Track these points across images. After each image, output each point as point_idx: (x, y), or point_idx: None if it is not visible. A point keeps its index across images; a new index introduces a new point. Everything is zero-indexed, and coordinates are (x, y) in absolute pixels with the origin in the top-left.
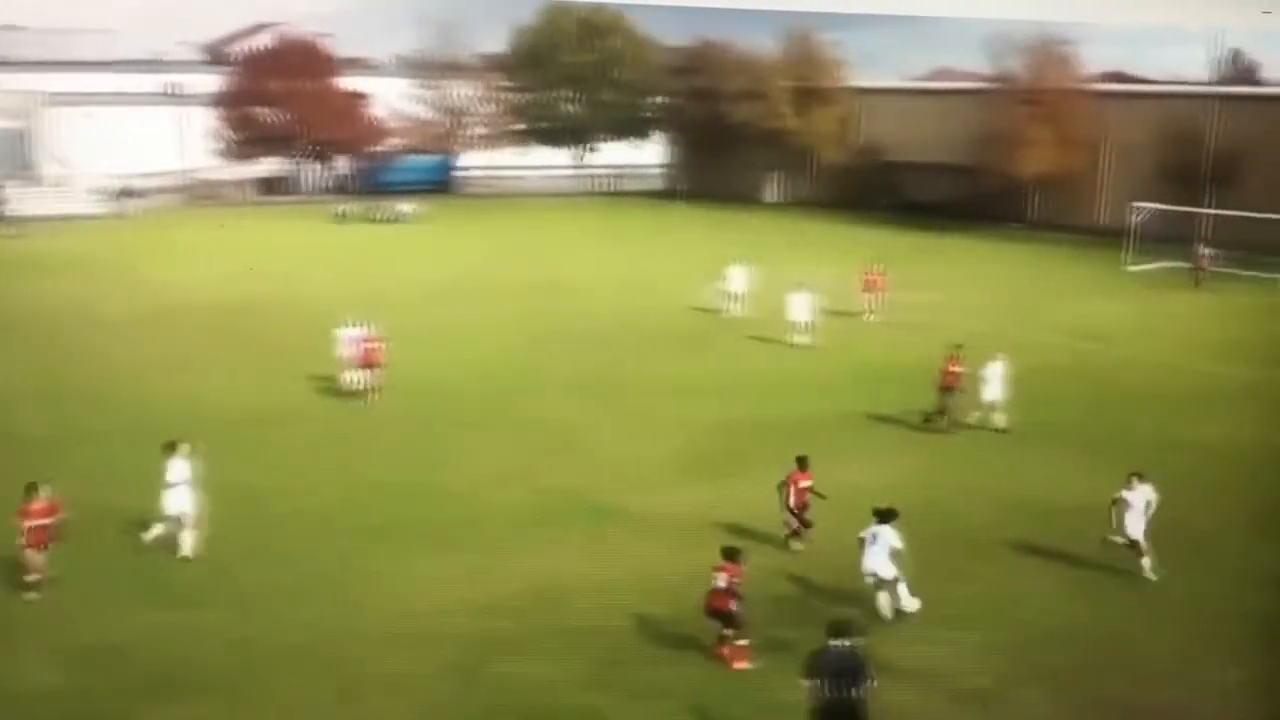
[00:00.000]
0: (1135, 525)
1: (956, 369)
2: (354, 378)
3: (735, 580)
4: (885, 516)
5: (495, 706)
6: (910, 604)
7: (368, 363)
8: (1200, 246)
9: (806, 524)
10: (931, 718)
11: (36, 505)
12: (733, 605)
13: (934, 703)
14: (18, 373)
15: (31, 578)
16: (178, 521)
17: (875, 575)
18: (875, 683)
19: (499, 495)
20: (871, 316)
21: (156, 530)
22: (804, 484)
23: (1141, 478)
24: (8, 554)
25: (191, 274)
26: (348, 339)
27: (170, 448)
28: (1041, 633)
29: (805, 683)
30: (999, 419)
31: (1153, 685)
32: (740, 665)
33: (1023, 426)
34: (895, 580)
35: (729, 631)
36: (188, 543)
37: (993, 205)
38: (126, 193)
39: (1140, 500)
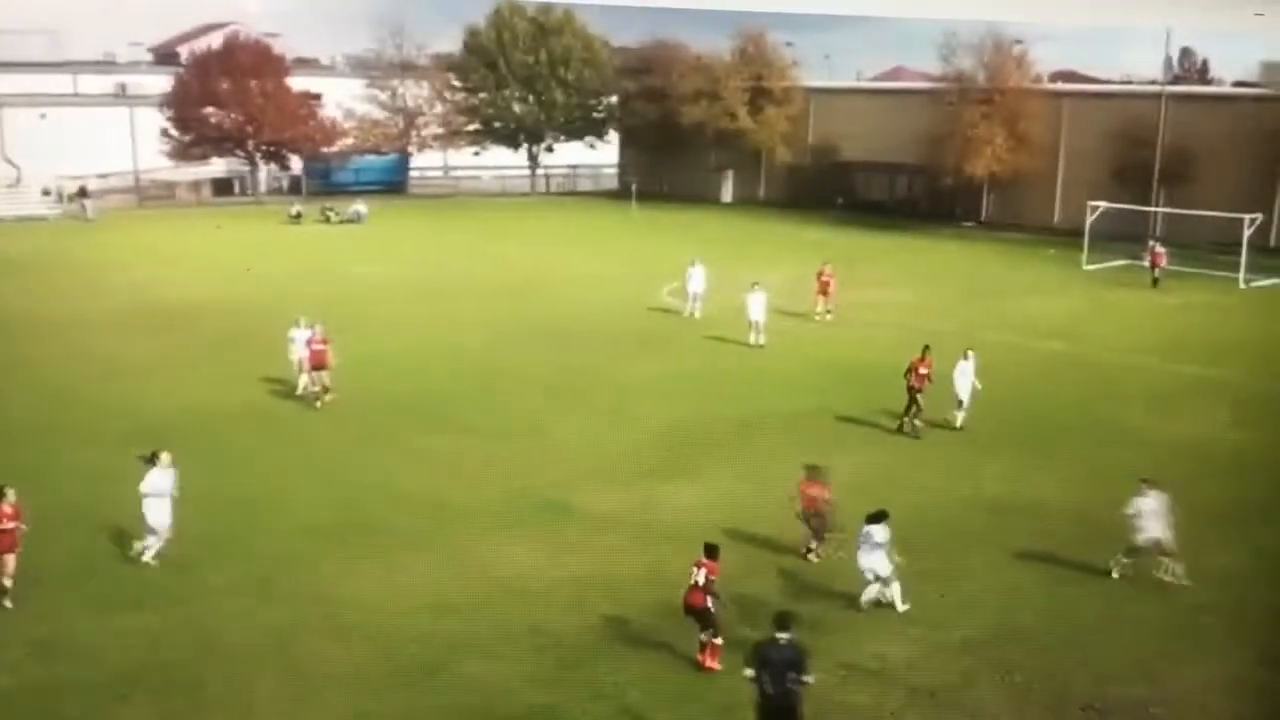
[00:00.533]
0: (1157, 527)
1: (925, 370)
2: (306, 380)
3: (712, 578)
4: (876, 518)
5: (454, 706)
6: (901, 605)
7: (316, 364)
8: (1154, 243)
9: (820, 534)
10: (888, 713)
11: (4, 509)
12: (709, 603)
13: (892, 699)
14: None
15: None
16: (157, 533)
17: (874, 573)
18: (811, 679)
19: (457, 495)
20: (827, 316)
21: (150, 545)
22: (813, 492)
23: (1150, 484)
24: None
25: (143, 275)
26: (299, 340)
27: (151, 459)
28: (1007, 630)
29: (749, 672)
30: (960, 416)
31: (1117, 683)
32: (711, 665)
33: (980, 424)
34: (890, 579)
35: (704, 635)
36: (154, 550)
37: (948, 205)
38: (83, 193)
39: (1156, 505)
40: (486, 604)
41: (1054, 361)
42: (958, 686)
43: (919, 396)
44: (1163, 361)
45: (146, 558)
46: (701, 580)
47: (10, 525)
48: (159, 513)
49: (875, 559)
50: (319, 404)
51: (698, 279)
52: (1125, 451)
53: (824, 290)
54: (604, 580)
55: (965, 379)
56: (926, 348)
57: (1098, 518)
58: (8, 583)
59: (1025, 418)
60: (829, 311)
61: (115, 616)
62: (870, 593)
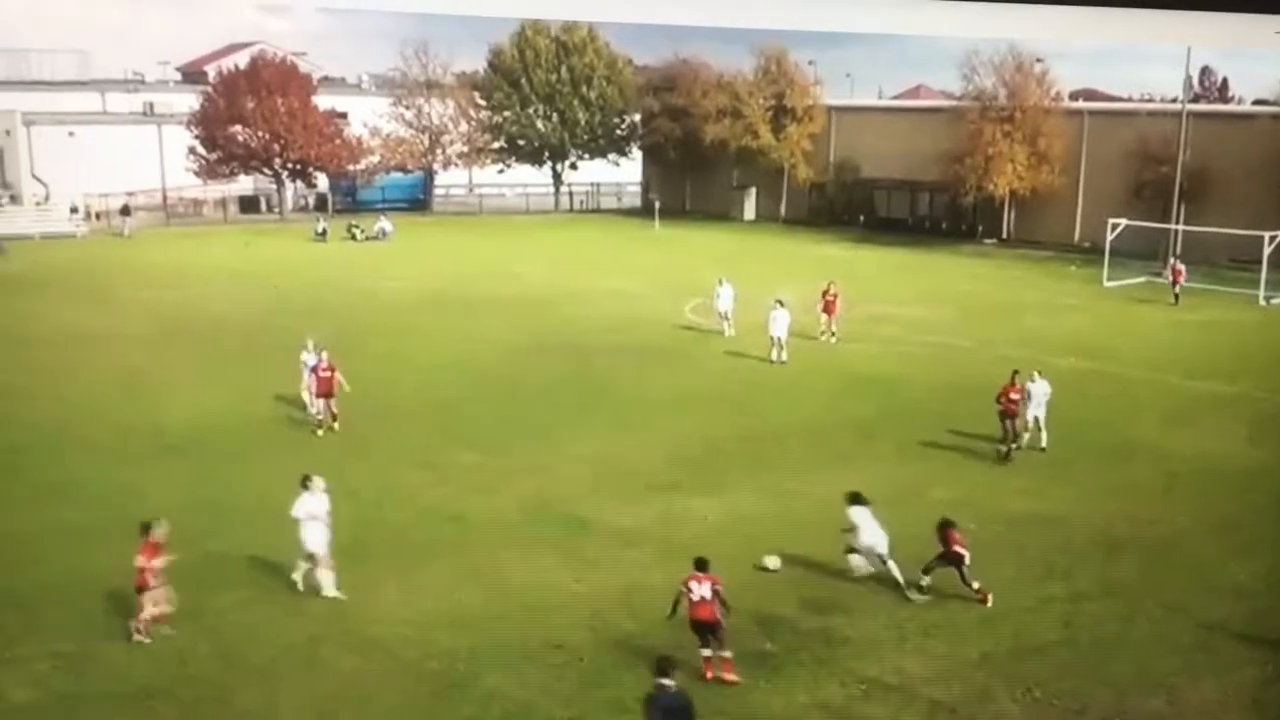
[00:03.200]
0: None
1: (1015, 395)
2: (316, 406)
3: (718, 589)
4: (858, 499)
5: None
6: (900, 575)
7: (324, 392)
8: (1174, 260)
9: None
10: None
11: (153, 541)
12: (719, 615)
13: (911, 713)
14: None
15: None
16: (313, 559)
17: (874, 551)
18: None
19: (477, 509)
20: (832, 339)
21: (304, 571)
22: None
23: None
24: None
25: (173, 290)
26: (309, 365)
27: (304, 483)
28: (1026, 646)
29: None
30: (1042, 437)
31: (1135, 698)
32: (732, 678)
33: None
34: (888, 556)
35: (708, 649)
36: (328, 580)
37: (969, 222)
38: (125, 211)
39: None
40: (506, 618)
41: (1074, 378)
42: (977, 702)
43: (1011, 422)
44: (1182, 378)
45: (296, 579)
46: (709, 594)
47: (158, 561)
48: (316, 537)
49: (876, 538)
50: (319, 432)
51: (726, 297)
52: (1144, 467)
53: (828, 309)
54: (624, 595)
55: (1036, 400)
56: (1015, 373)
57: (1116, 533)
58: (168, 608)
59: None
60: (833, 332)
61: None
62: (859, 563)
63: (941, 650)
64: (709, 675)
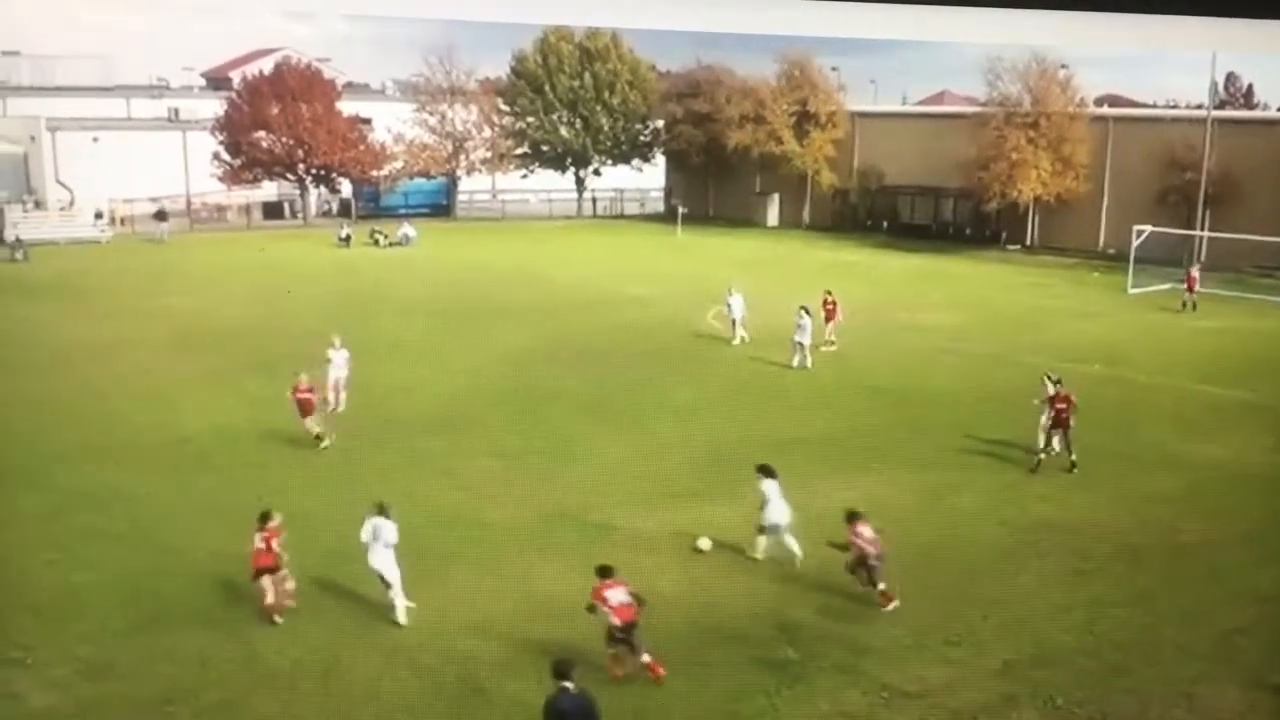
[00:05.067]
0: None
1: (1063, 404)
2: (305, 425)
3: (634, 591)
4: (769, 472)
5: None
6: (798, 550)
7: (305, 412)
8: (1191, 267)
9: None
10: None
11: (272, 528)
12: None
13: None
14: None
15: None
16: (385, 583)
17: (776, 525)
18: None
19: (496, 515)
20: (831, 347)
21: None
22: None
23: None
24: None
25: (196, 295)
26: (336, 361)
27: (380, 509)
28: (1048, 653)
29: None
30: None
31: (1158, 706)
32: (663, 671)
33: (1022, 447)
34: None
35: (619, 649)
36: (400, 605)
37: (993, 229)
38: (161, 216)
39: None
40: (527, 624)
41: (1096, 385)
42: (999, 710)
43: (1063, 432)
44: (1204, 385)
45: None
46: (625, 597)
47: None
48: (382, 563)
49: (780, 512)
50: (325, 444)
51: (737, 306)
52: (1166, 474)
53: (829, 318)
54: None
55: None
56: (1059, 382)
57: (1136, 540)
58: (290, 603)
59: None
60: (830, 340)
61: (161, 636)
62: (764, 544)
63: (962, 658)
64: (619, 674)
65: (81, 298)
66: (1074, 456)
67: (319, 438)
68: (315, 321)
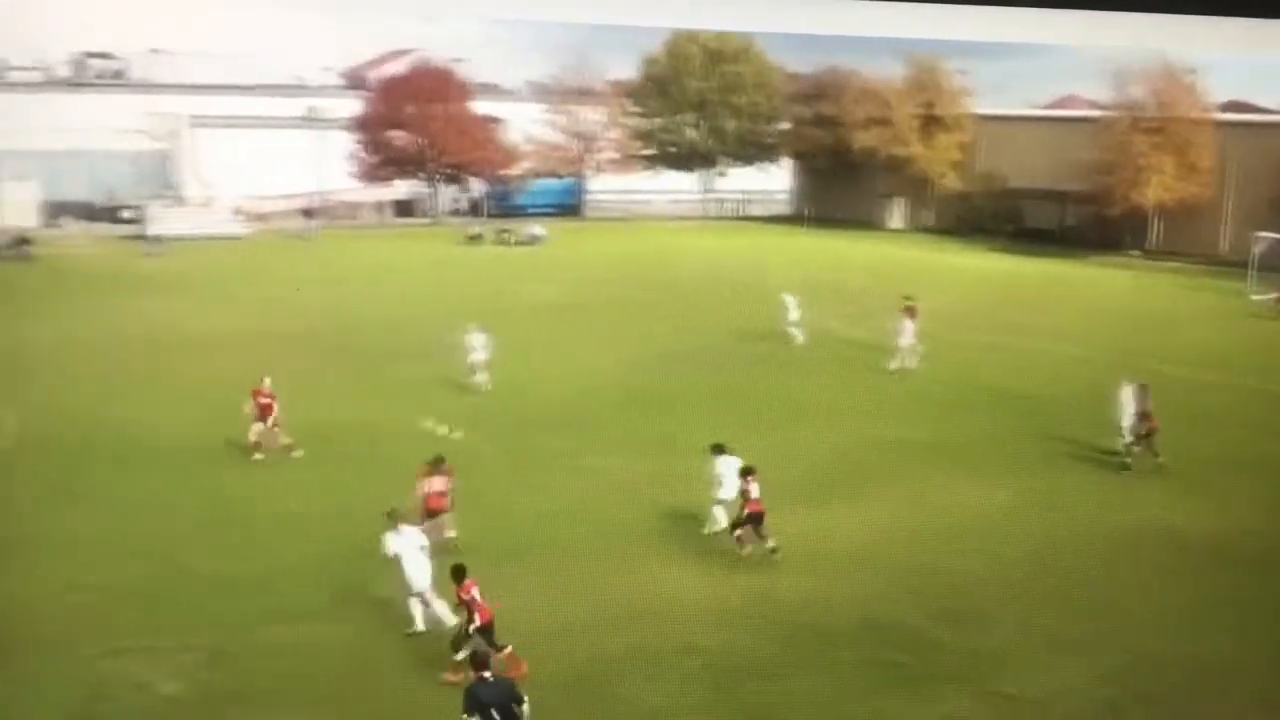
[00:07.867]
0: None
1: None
2: (259, 428)
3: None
4: (722, 450)
5: None
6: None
7: (262, 415)
8: None
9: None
10: None
11: (445, 471)
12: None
13: None
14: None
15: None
16: (421, 596)
17: (728, 501)
18: (526, 706)
19: (612, 512)
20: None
21: (422, 611)
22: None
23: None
24: None
25: (306, 295)
26: (477, 346)
27: (392, 516)
28: (1151, 661)
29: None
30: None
31: (1258, 713)
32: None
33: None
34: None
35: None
36: (444, 610)
37: (1115, 233)
38: (308, 214)
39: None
40: (639, 621)
41: (1213, 393)
42: (1102, 716)
43: (1149, 440)
44: None
45: (416, 629)
46: (478, 595)
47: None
48: (417, 574)
49: (733, 490)
50: (295, 454)
51: (793, 307)
52: (1268, 480)
53: (913, 320)
54: (758, 602)
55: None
56: (1144, 386)
57: (1239, 546)
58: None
59: (1179, 447)
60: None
61: (280, 627)
62: (721, 514)
63: (1064, 663)
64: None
65: (185, 292)
66: (1160, 459)
67: (289, 448)
68: (450, 317)
